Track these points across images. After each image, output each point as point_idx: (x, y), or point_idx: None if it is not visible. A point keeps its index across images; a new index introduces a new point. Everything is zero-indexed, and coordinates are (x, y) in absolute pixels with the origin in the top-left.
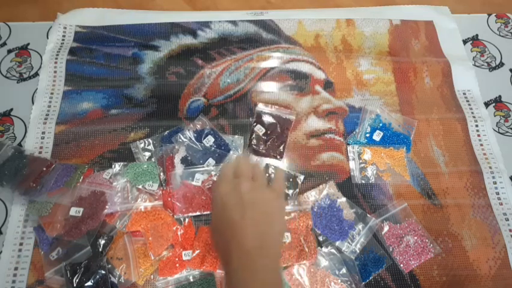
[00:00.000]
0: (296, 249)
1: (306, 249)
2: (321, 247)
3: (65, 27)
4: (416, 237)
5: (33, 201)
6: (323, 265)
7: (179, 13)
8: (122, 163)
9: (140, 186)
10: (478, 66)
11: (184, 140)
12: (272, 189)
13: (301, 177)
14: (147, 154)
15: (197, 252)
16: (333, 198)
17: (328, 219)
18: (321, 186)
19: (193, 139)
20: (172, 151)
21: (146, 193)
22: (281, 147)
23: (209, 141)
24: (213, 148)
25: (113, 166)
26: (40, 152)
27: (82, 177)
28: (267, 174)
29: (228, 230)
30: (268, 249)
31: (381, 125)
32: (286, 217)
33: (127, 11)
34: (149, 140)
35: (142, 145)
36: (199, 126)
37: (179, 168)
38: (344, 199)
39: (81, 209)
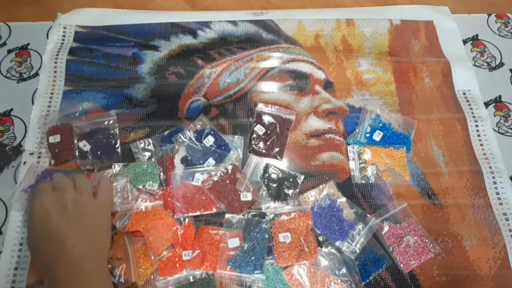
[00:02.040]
0: (296, 249)
1: (306, 249)
2: (321, 247)
3: (65, 27)
4: (416, 237)
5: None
6: (322, 265)
7: (179, 13)
8: (122, 163)
9: (140, 186)
10: (478, 66)
11: (184, 140)
12: (97, 199)
13: (302, 177)
14: (147, 154)
15: (197, 252)
16: (333, 198)
17: (328, 219)
18: (321, 186)
19: (193, 139)
20: (172, 151)
21: (146, 193)
22: (281, 147)
23: (209, 141)
24: (213, 148)
25: (112, 167)
26: (40, 152)
27: None
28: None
29: (54, 241)
30: (95, 252)
31: (381, 125)
32: (286, 217)
33: (127, 11)
34: (149, 140)
35: (142, 145)
36: (199, 126)
37: (179, 168)
38: (344, 199)
39: None
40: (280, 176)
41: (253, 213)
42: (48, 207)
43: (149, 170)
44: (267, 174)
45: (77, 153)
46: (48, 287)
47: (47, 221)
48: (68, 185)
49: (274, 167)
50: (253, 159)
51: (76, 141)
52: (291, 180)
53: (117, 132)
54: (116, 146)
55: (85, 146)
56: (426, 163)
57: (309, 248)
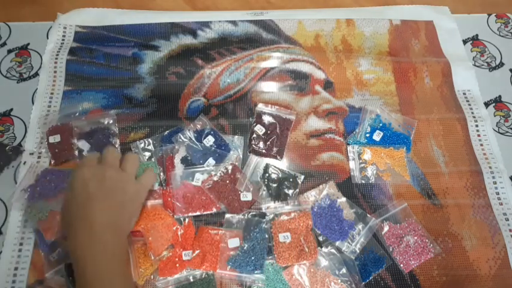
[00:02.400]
0: (296, 249)
1: (306, 249)
2: (321, 247)
3: (65, 27)
4: (416, 237)
5: (31, 205)
6: (322, 265)
7: (179, 13)
8: None
9: None
10: (478, 66)
11: (184, 140)
12: (137, 184)
13: (302, 177)
14: (147, 154)
15: (197, 252)
16: (333, 198)
17: (328, 219)
18: (321, 186)
19: (193, 139)
20: (172, 151)
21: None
22: (281, 147)
23: (209, 141)
24: (213, 148)
25: None
26: (40, 152)
27: None
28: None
29: (80, 208)
30: (115, 230)
31: (381, 125)
32: (286, 217)
33: (127, 11)
34: (149, 140)
35: (142, 145)
36: (199, 126)
37: (179, 168)
38: (344, 199)
39: None
40: (280, 176)
41: (253, 213)
42: (87, 177)
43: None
44: (267, 174)
45: (76, 153)
46: (72, 253)
47: (81, 189)
48: (114, 163)
49: (274, 167)
50: (253, 159)
51: (75, 141)
52: (291, 180)
53: (117, 131)
54: (116, 145)
55: (84, 145)
56: (426, 163)
57: (309, 248)
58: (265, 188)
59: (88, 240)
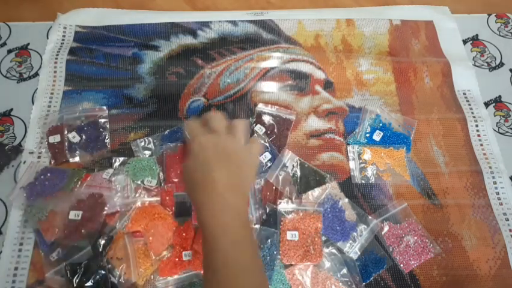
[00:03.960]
0: (302, 249)
1: (312, 251)
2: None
3: (65, 27)
4: (416, 237)
5: (31, 205)
6: (325, 267)
7: (179, 13)
8: (122, 158)
9: (139, 182)
10: (478, 66)
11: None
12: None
13: (331, 179)
14: (147, 153)
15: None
16: (335, 198)
17: (330, 219)
18: (323, 186)
19: None
20: (174, 149)
21: (144, 189)
22: (281, 147)
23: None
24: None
25: (113, 160)
26: (40, 152)
27: (79, 182)
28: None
29: (204, 174)
30: (238, 191)
31: (381, 125)
32: (296, 216)
33: (127, 11)
34: (150, 138)
35: (143, 143)
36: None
37: None
38: (346, 200)
39: (80, 212)
40: (308, 172)
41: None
42: (204, 146)
43: (148, 166)
44: (296, 169)
45: (66, 145)
46: (197, 212)
47: (201, 156)
48: (224, 130)
49: (307, 164)
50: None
51: (66, 133)
52: (317, 179)
53: (107, 125)
54: (106, 139)
55: (74, 137)
56: (426, 163)
57: (315, 250)
58: (292, 182)
59: (211, 199)
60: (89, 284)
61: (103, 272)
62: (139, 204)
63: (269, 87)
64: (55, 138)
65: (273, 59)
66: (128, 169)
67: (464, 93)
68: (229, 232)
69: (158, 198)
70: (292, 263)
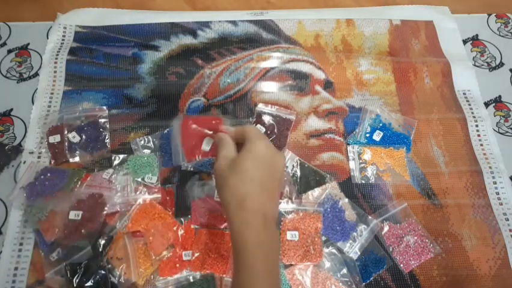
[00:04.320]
0: (302, 249)
1: (312, 251)
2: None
3: (65, 27)
4: (416, 237)
5: (31, 205)
6: (325, 267)
7: (179, 13)
8: (122, 156)
9: (139, 179)
10: (478, 66)
11: None
12: (281, 152)
13: (331, 179)
14: (147, 151)
15: (196, 255)
16: (335, 198)
17: (330, 219)
18: (323, 186)
19: None
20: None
21: (144, 187)
22: (281, 147)
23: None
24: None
25: (113, 158)
26: (40, 152)
27: (79, 182)
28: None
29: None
30: (271, 192)
31: (381, 125)
32: (296, 215)
33: (127, 11)
34: (149, 137)
35: (142, 142)
36: None
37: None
38: (346, 200)
39: (80, 212)
40: (308, 172)
41: None
42: (268, 148)
43: (149, 162)
44: (296, 169)
45: (66, 145)
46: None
47: (262, 157)
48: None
49: (307, 164)
50: (286, 153)
51: (66, 133)
52: (317, 179)
53: (107, 125)
54: (106, 139)
55: (74, 137)
56: (426, 163)
57: (315, 250)
58: (292, 182)
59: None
60: (89, 284)
61: (103, 272)
62: (140, 201)
63: (269, 87)
64: (55, 138)
65: (273, 59)
66: (129, 166)
67: (464, 93)
68: (268, 214)
69: (159, 195)
70: (292, 263)
